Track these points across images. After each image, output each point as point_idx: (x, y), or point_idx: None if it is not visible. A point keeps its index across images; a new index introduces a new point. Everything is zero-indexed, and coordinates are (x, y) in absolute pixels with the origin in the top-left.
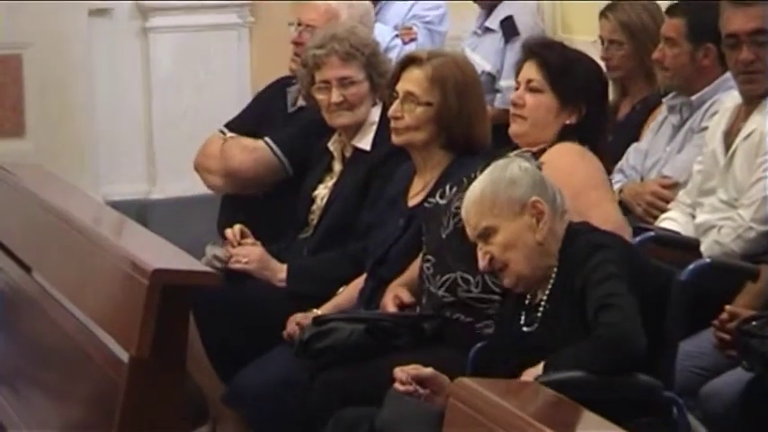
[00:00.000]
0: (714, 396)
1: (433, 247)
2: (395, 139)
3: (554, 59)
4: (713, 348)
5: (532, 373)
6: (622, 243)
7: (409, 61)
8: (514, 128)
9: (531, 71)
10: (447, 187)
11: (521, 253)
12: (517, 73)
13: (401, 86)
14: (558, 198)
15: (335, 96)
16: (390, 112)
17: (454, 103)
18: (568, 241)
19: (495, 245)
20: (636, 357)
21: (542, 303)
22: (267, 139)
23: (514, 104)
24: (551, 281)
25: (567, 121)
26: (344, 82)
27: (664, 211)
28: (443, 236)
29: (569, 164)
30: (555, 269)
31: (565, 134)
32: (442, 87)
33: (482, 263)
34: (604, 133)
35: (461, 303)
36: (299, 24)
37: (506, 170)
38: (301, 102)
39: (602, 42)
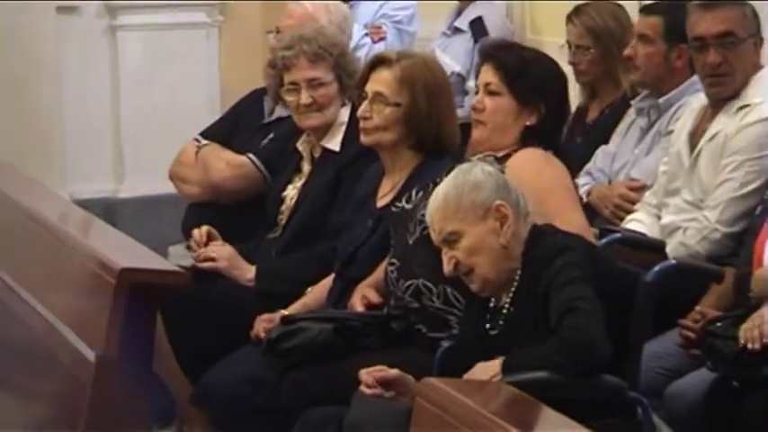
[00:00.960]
0: (678, 396)
1: (399, 251)
2: (363, 139)
3: (510, 61)
4: (678, 349)
5: (487, 367)
6: (586, 245)
7: (378, 62)
8: (476, 134)
9: (488, 74)
10: (414, 191)
11: (486, 257)
12: (477, 77)
13: (370, 87)
14: (521, 201)
15: (304, 98)
16: (359, 112)
17: (423, 104)
18: (532, 243)
19: (459, 250)
20: (599, 363)
21: (506, 306)
22: (251, 155)
23: (475, 109)
24: (515, 283)
25: (528, 123)
26: (313, 83)
27: (631, 213)
28: (410, 242)
29: (534, 171)
30: (518, 272)
31: (527, 136)
32: (411, 88)
33: (447, 268)
34: (561, 130)
35: (425, 310)
36: (278, 32)
37: (469, 174)
38: (278, 112)
39: (570, 47)
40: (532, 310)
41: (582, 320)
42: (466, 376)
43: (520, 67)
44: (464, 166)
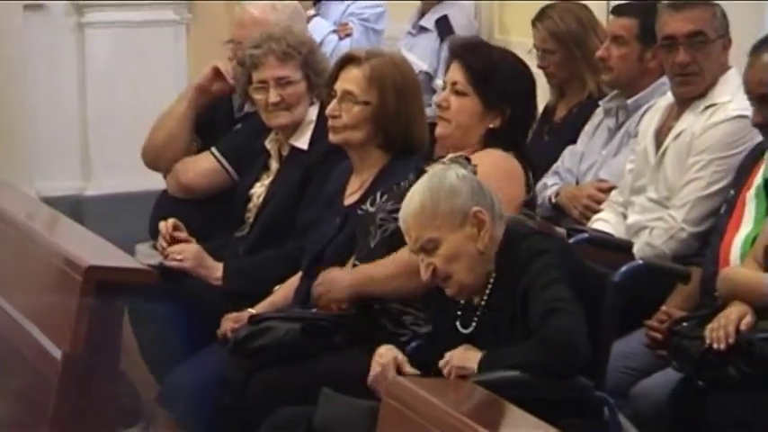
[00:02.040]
0: (644, 396)
1: (362, 254)
2: (332, 137)
3: (477, 63)
4: (644, 349)
5: (467, 353)
6: (562, 246)
7: (348, 60)
8: (440, 130)
9: (456, 73)
10: (378, 194)
11: (463, 264)
12: (446, 73)
13: (339, 85)
14: (495, 203)
15: (273, 96)
16: (328, 110)
17: (392, 103)
18: (506, 244)
19: (437, 257)
20: (580, 363)
21: (481, 306)
22: (214, 150)
23: (440, 106)
24: (490, 284)
25: (491, 125)
26: (282, 82)
27: (587, 213)
28: (371, 245)
29: (496, 177)
30: (493, 273)
31: (489, 138)
32: (380, 87)
33: (425, 275)
34: (526, 133)
35: (387, 311)
36: (233, 42)
37: (445, 180)
38: (248, 108)
39: (537, 51)
40: (509, 310)
41: (564, 321)
42: (447, 355)
43: (487, 70)
44: (437, 170)
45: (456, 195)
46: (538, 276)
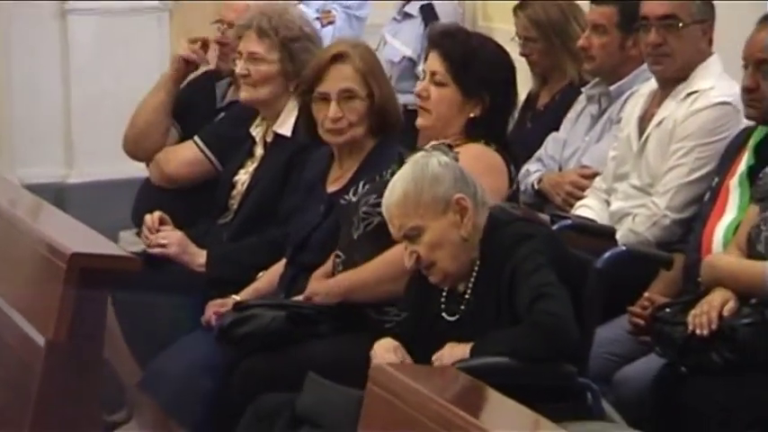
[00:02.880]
0: (627, 382)
1: (344, 244)
2: (336, 140)
3: (456, 51)
4: (627, 335)
5: (455, 349)
6: (547, 232)
7: (333, 59)
8: (420, 121)
9: (434, 63)
10: (361, 184)
11: (447, 251)
12: (425, 61)
13: (332, 87)
14: (478, 190)
15: (239, 68)
16: (330, 115)
17: (386, 89)
18: (489, 231)
19: (421, 245)
20: (571, 348)
21: (466, 294)
22: (197, 139)
23: (419, 96)
24: (474, 271)
25: (472, 114)
26: (253, 56)
27: (570, 200)
28: (354, 236)
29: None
30: (477, 260)
31: (470, 127)
32: (373, 77)
33: (409, 262)
34: (507, 121)
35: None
36: (222, 23)
37: (427, 168)
38: (230, 96)
39: (519, 39)
40: (495, 297)
41: (553, 306)
42: (435, 357)
43: (465, 58)
44: (419, 157)
45: (439, 183)
46: (523, 262)
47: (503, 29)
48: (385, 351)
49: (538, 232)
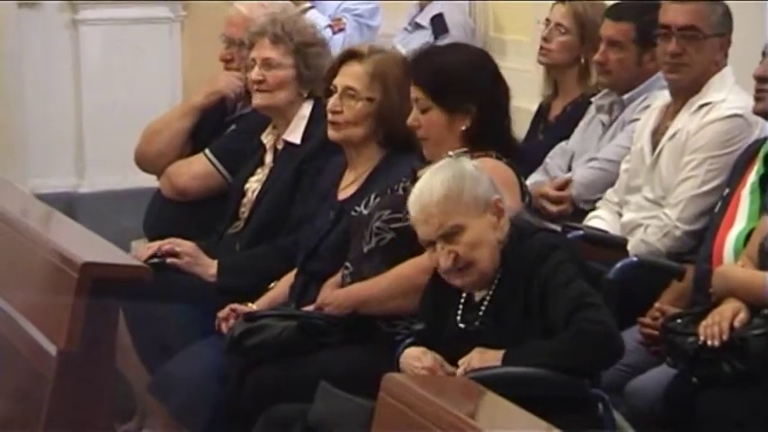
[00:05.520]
0: (639, 392)
1: (354, 256)
2: (333, 134)
3: (426, 74)
4: (638, 346)
5: (486, 355)
6: (569, 242)
7: (349, 56)
8: (425, 150)
9: (414, 91)
10: (372, 196)
11: (486, 251)
12: None
13: (340, 81)
14: (504, 197)
15: (254, 74)
16: (329, 106)
17: (396, 100)
18: (513, 240)
19: (461, 244)
20: (618, 355)
21: (484, 302)
22: (207, 152)
23: (413, 127)
24: (496, 280)
25: (463, 127)
26: (268, 62)
27: (550, 212)
28: (364, 250)
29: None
30: (500, 269)
31: (467, 139)
32: (383, 83)
33: (446, 263)
34: (504, 120)
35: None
36: (225, 40)
37: (465, 169)
38: (240, 109)
39: (547, 24)
40: (521, 305)
41: (599, 315)
42: (462, 360)
43: (437, 79)
44: (450, 161)
45: (478, 183)
46: (555, 272)
47: (514, 39)
48: (414, 359)
49: (563, 243)
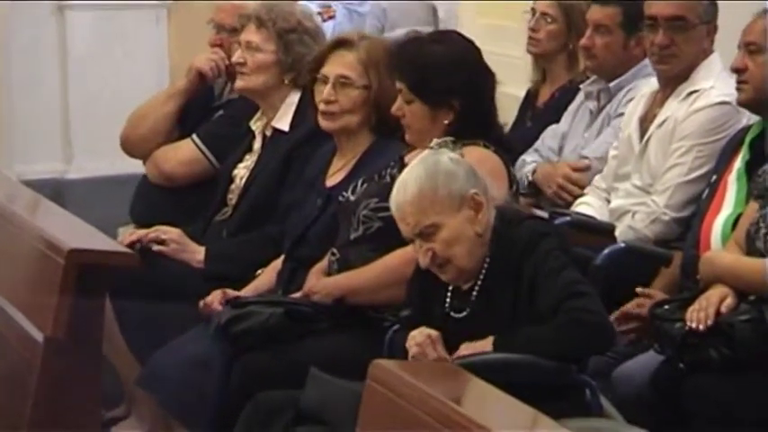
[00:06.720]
0: (626, 379)
1: (341, 243)
2: (327, 124)
3: (408, 68)
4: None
5: (475, 347)
6: (558, 230)
7: (339, 44)
8: (407, 137)
9: (398, 82)
10: (359, 182)
11: (463, 247)
12: None
13: (331, 70)
14: (488, 186)
15: (236, 56)
16: (324, 96)
17: (390, 85)
18: (501, 229)
19: (437, 242)
20: (612, 342)
21: (473, 291)
22: (194, 137)
23: (397, 115)
24: (484, 269)
25: (445, 121)
26: (250, 45)
27: (573, 194)
28: (351, 237)
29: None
30: (487, 258)
31: (451, 132)
32: (376, 70)
33: (424, 260)
34: (489, 111)
35: None
36: (214, 25)
37: (440, 164)
38: (227, 94)
39: (533, 14)
40: (510, 293)
41: (591, 303)
42: (452, 358)
43: (419, 74)
44: (429, 155)
45: (453, 179)
46: (545, 260)
47: (502, 25)
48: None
49: (552, 230)
